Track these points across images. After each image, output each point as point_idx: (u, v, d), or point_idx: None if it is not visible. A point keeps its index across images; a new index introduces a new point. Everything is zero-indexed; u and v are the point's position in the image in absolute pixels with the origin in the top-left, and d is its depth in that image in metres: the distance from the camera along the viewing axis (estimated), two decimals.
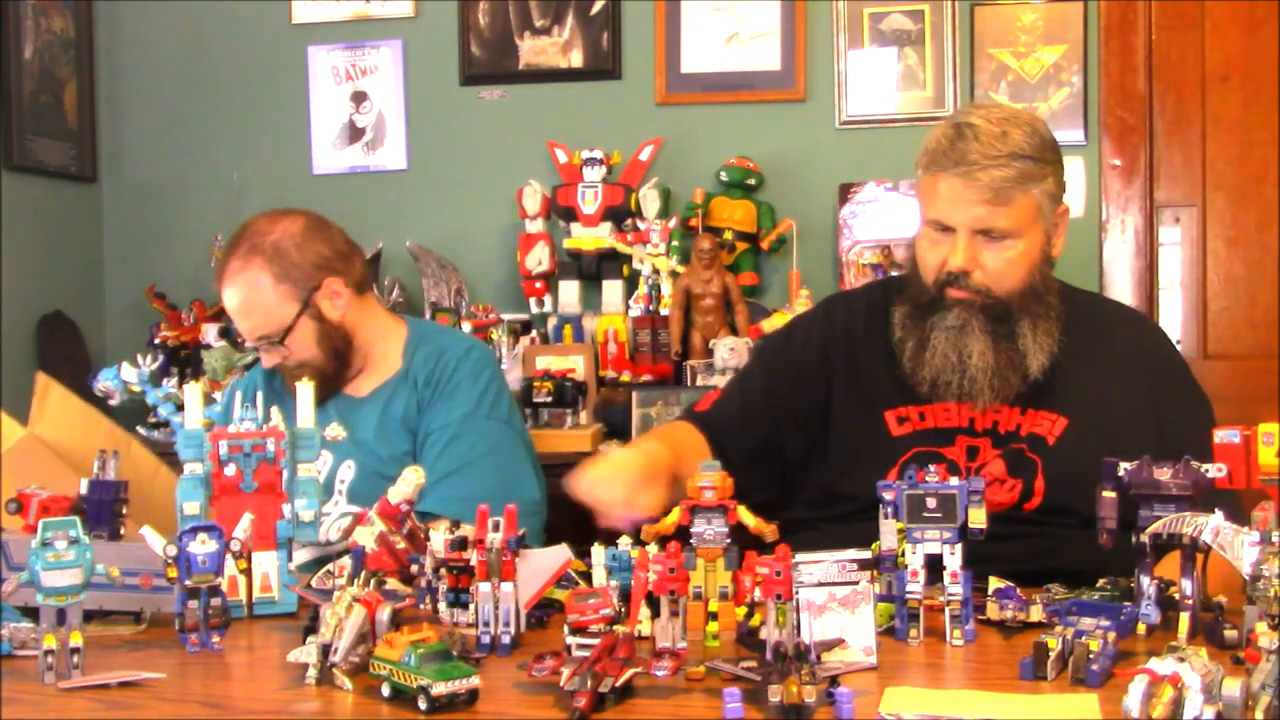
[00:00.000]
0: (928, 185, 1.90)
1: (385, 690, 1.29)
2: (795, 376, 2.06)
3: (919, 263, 1.95)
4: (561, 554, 1.62)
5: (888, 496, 1.51)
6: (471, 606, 1.49)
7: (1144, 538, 1.47)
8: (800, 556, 1.41)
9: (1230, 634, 1.41)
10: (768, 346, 2.22)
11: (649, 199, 3.45)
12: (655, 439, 2.01)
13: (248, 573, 1.65)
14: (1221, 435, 1.50)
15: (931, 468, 1.51)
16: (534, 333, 3.52)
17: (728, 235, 3.45)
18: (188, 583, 1.49)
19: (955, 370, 1.88)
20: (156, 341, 3.50)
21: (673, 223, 3.46)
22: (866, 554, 1.45)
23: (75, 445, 1.87)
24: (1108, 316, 2.07)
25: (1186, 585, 1.45)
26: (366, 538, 1.65)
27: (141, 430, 3.27)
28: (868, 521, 1.82)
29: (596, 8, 3.66)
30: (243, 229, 2.28)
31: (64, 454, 2.08)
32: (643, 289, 3.44)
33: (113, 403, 3.03)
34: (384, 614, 1.38)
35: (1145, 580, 1.48)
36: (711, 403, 2.11)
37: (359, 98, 3.80)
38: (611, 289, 3.48)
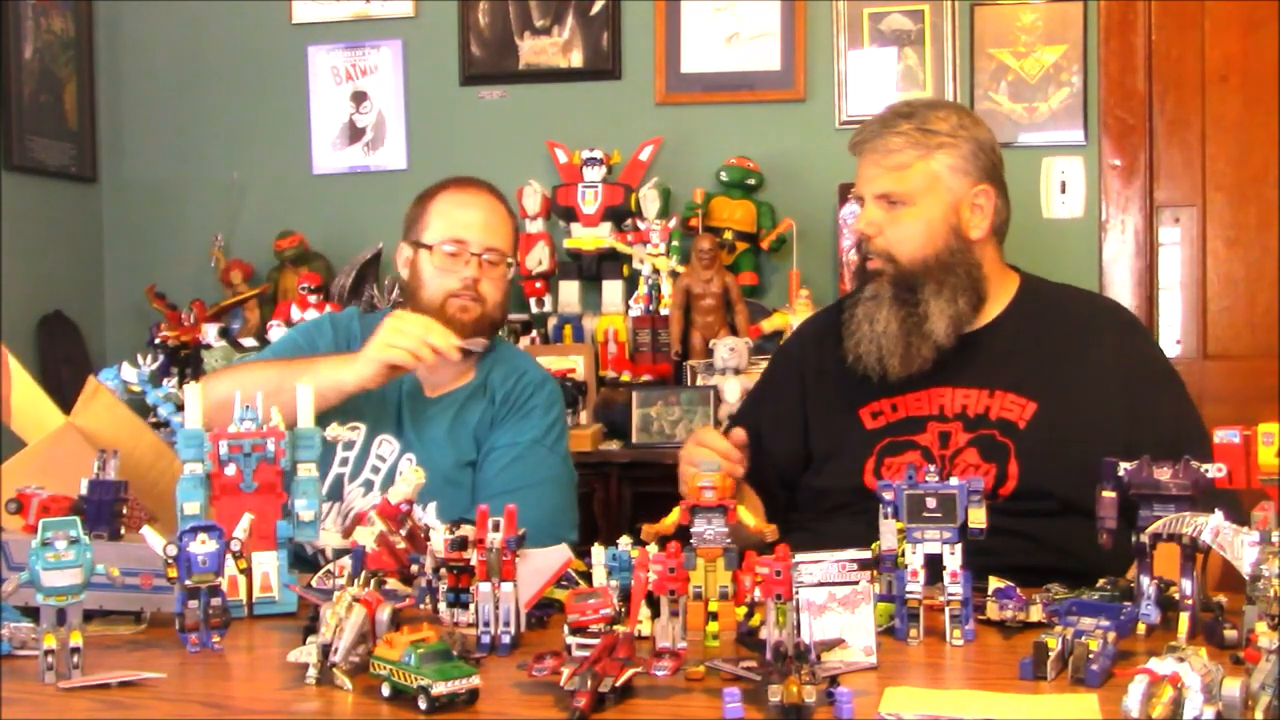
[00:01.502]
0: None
1: (385, 690, 1.29)
2: (785, 388, 2.16)
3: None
4: (561, 554, 1.62)
5: (888, 496, 1.51)
6: (471, 606, 1.49)
7: (1144, 538, 1.47)
8: (800, 556, 1.41)
9: (1230, 634, 1.41)
10: (762, 380, 2.31)
11: (649, 199, 3.45)
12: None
13: (248, 573, 1.64)
14: (1221, 435, 1.50)
15: (931, 467, 1.51)
16: (534, 333, 3.53)
17: (728, 235, 3.45)
18: (188, 583, 1.49)
19: (869, 340, 1.98)
20: (156, 341, 3.50)
21: (673, 223, 3.46)
22: (866, 554, 1.45)
23: (116, 447, 1.88)
24: (1076, 305, 2.10)
25: (1186, 585, 1.46)
26: (366, 538, 1.65)
27: None
28: (846, 513, 1.92)
29: (596, 8, 3.66)
30: (483, 181, 2.37)
31: (102, 449, 2.09)
32: (643, 289, 3.44)
33: None
34: (384, 614, 1.38)
35: (1145, 580, 1.48)
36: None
37: (359, 98, 3.80)
38: (611, 289, 3.48)
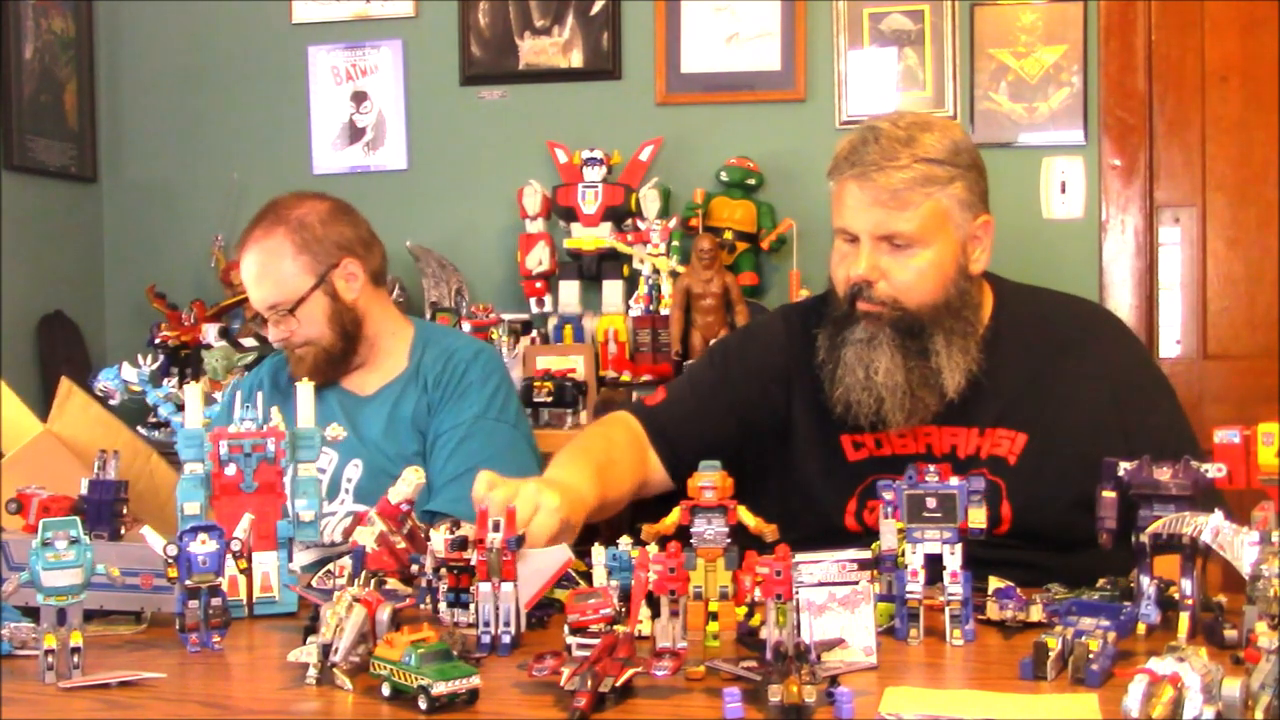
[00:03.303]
0: (835, 193, 1.85)
1: (385, 690, 1.29)
2: (755, 378, 1.99)
3: (832, 277, 1.89)
4: (561, 554, 1.62)
5: (888, 496, 1.51)
6: (471, 606, 1.49)
7: (1144, 538, 1.47)
8: (800, 556, 1.41)
9: (1230, 634, 1.41)
10: (724, 348, 2.15)
11: (649, 199, 3.45)
12: (585, 459, 1.82)
13: (248, 573, 1.65)
14: (1221, 435, 1.50)
15: (932, 467, 1.51)
16: (534, 333, 3.52)
17: (728, 235, 3.45)
18: (188, 583, 1.49)
19: (863, 389, 1.80)
20: (156, 341, 3.50)
21: (673, 223, 3.46)
22: (866, 554, 1.45)
23: (93, 447, 1.88)
24: (1057, 315, 1.97)
25: (1186, 585, 1.46)
26: (366, 538, 1.65)
27: (141, 430, 3.27)
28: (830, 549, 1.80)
29: (596, 8, 3.66)
30: (269, 204, 2.32)
31: (81, 454, 2.08)
32: (643, 289, 3.44)
33: (113, 403, 3.03)
34: (384, 614, 1.38)
35: (1145, 580, 1.48)
36: (660, 400, 2.03)
37: (359, 98, 3.80)
38: (611, 289, 3.48)
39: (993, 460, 1.85)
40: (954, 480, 1.49)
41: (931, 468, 1.50)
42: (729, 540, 1.46)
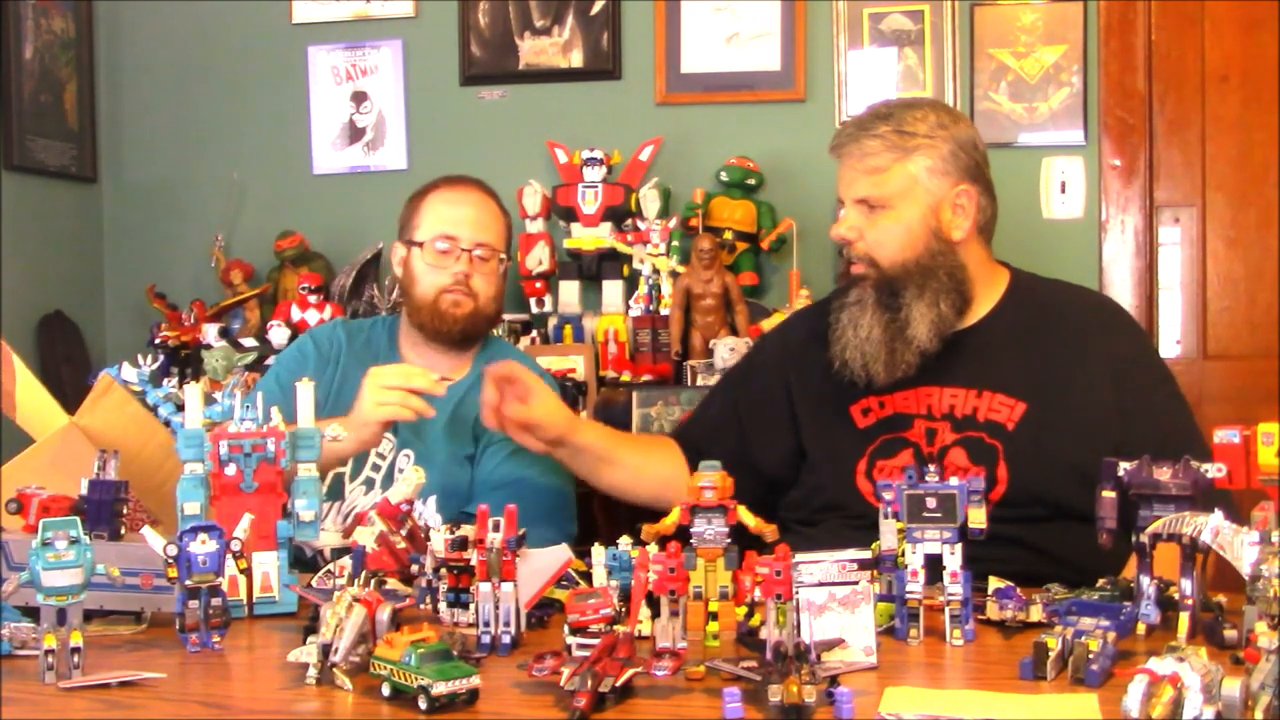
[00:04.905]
0: None
1: (385, 690, 1.29)
2: (758, 391, 2.17)
3: None
4: (561, 554, 1.63)
5: (888, 496, 1.51)
6: (471, 606, 1.49)
7: (1144, 538, 1.47)
8: (800, 556, 1.41)
9: (1230, 634, 1.41)
10: (733, 368, 2.35)
11: (649, 199, 3.45)
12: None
13: (248, 573, 1.65)
14: (1221, 435, 1.50)
15: (932, 467, 1.51)
16: (534, 333, 3.52)
17: (728, 235, 3.45)
18: (188, 583, 1.49)
19: (854, 346, 1.97)
20: (156, 341, 3.50)
21: (673, 223, 3.46)
22: (866, 554, 1.45)
23: (125, 445, 1.87)
24: (1067, 302, 2.08)
25: (1186, 585, 1.46)
26: (366, 538, 1.65)
27: None
28: (836, 515, 1.94)
29: (596, 8, 3.66)
30: (462, 176, 2.44)
31: (108, 448, 2.08)
32: (643, 289, 3.44)
33: None
34: (384, 614, 1.38)
35: (1145, 580, 1.48)
36: (684, 421, 2.29)
37: (359, 98, 3.80)
38: (611, 289, 3.48)
39: (990, 425, 1.93)
40: (954, 480, 1.49)
41: (931, 467, 1.51)
42: (729, 540, 1.46)
